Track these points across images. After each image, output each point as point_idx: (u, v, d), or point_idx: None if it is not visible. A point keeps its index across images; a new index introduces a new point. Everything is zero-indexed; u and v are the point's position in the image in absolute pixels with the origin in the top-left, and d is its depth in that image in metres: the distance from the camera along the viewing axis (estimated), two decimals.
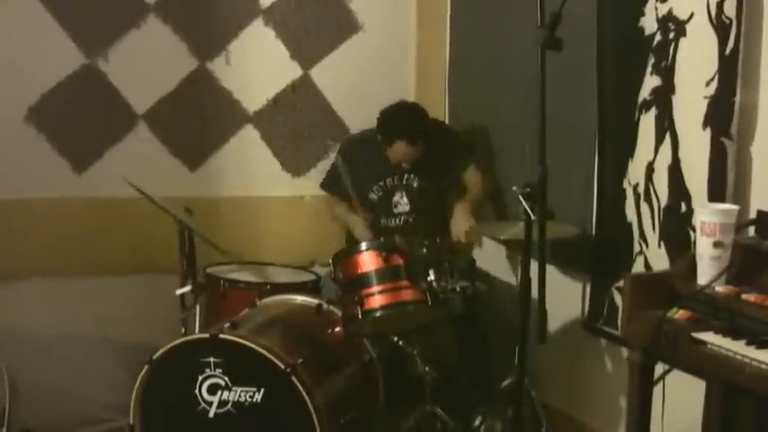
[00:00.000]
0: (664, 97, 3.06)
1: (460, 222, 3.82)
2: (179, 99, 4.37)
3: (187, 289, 3.36)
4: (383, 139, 3.91)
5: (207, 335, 3.02)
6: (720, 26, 2.76)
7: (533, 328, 2.93)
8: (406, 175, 4.01)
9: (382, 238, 3.40)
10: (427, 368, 3.33)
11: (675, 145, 3.01)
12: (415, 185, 4.02)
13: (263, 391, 2.98)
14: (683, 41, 2.96)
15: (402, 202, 4.04)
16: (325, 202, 4.32)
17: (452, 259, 3.22)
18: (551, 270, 3.37)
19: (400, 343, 3.46)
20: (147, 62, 4.28)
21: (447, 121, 4.51)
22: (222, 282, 3.66)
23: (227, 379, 2.99)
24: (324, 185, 4.25)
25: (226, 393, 3.00)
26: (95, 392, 3.80)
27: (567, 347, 3.69)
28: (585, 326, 3.55)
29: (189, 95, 4.38)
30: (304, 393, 2.91)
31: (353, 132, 4.47)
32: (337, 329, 3.26)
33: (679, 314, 2.45)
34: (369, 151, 4.00)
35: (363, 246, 3.22)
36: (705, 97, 2.83)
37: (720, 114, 2.79)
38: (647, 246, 3.18)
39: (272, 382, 2.96)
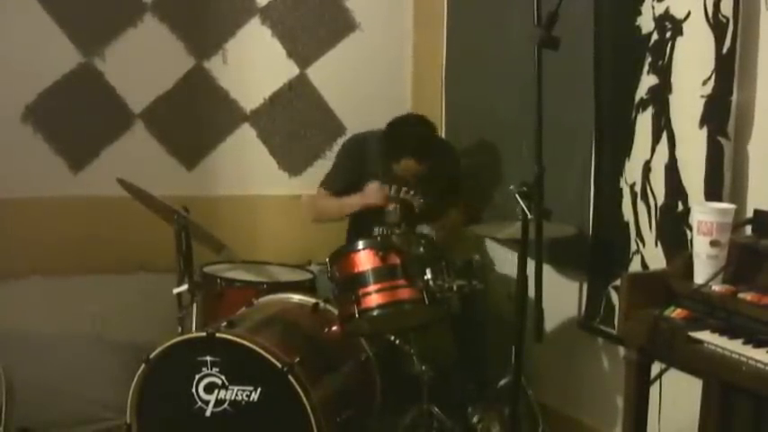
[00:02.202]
0: (661, 96, 3.06)
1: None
2: (176, 98, 4.36)
3: (184, 288, 3.35)
4: (390, 156, 3.81)
5: (204, 334, 3.01)
6: (717, 25, 2.76)
7: (530, 327, 2.94)
8: (404, 189, 3.90)
9: (379, 238, 3.39)
10: (424, 367, 3.32)
11: (672, 144, 3.01)
12: (415, 205, 3.91)
13: (259, 389, 2.97)
14: (679, 40, 2.96)
15: (395, 215, 3.95)
16: (309, 200, 4.14)
17: (450, 258, 3.22)
18: (548, 269, 3.39)
19: (397, 342, 3.46)
20: (144, 61, 4.28)
21: (443, 120, 4.51)
22: (219, 281, 3.66)
23: (223, 378, 2.99)
24: (323, 183, 4.05)
25: (222, 392, 2.99)
26: (92, 391, 3.79)
27: (563, 346, 3.69)
28: (582, 325, 3.55)
29: (186, 94, 4.38)
30: (301, 392, 2.90)
31: (351, 132, 4.42)
32: (334, 328, 3.25)
33: (676, 313, 2.45)
34: (370, 153, 3.94)
35: (360, 245, 3.21)
36: (702, 96, 2.83)
37: (717, 113, 2.79)
38: (643, 245, 3.18)
39: (269, 381, 2.95)
